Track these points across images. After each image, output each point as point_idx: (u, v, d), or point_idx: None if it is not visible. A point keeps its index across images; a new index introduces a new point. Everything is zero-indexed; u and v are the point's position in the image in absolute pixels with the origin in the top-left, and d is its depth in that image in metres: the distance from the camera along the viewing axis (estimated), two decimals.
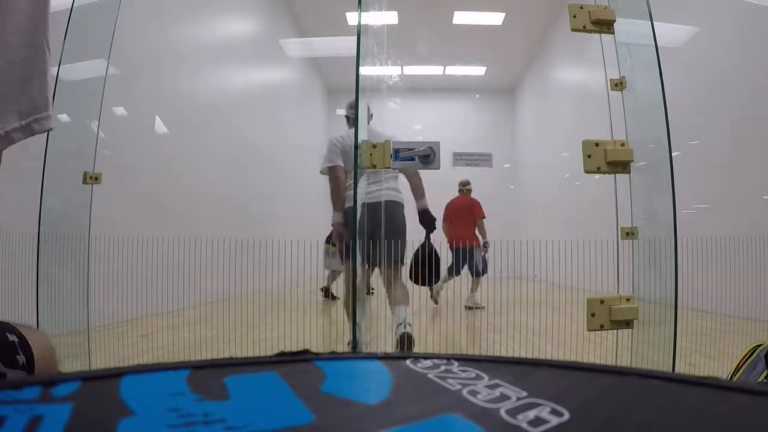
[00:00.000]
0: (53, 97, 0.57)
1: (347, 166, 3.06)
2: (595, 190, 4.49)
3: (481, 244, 5.26)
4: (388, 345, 2.96)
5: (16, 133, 0.46)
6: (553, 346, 3.03)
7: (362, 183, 2.83)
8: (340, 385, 0.31)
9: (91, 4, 2.42)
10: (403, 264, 3.03)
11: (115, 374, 0.30)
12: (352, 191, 2.34)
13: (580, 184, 6.91)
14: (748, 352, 1.14)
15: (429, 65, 10.44)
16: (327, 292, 5.56)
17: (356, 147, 1.94)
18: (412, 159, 2.03)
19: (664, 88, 1.80)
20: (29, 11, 0.48)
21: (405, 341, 2.73)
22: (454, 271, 4.89)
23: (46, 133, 0.53)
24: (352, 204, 2.47)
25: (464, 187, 5.59)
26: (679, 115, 2.29)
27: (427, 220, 3.05)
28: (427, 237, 3.00)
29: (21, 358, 0.66)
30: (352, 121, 3.25)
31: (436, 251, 2.97)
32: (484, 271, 5.07)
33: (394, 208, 3.04)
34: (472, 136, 10.20)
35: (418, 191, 3.11)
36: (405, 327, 2.78)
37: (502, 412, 0.26)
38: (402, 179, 3.14)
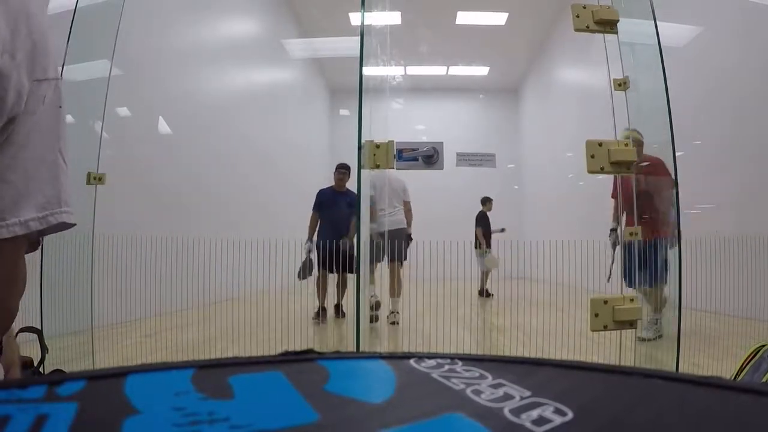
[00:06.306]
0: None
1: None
2: (599, 191, 4.48)
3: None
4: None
5: (33, 222, 0.54)
6: (556, 346, 3.02)
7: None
8: (344, 384, 0.31)
9: (95, 5, 2.43)
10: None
11: (120, 373, 0.30)
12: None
13: (584, 184, 6.90)
14: (752, 352, 1.13)
15: (432, 65, 10.43)
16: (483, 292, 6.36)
17: (359, 147, 1.94)
18: (416, 159, 2.03)
19: (667, 87, 1.80)
20: (45, 123, 0.56)
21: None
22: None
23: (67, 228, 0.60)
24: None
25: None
26: (682, 114, 2.28)
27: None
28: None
29: None
30: None
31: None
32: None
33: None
34: (476, 137, 10.19)
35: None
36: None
37: (506, 412, 0.26)
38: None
